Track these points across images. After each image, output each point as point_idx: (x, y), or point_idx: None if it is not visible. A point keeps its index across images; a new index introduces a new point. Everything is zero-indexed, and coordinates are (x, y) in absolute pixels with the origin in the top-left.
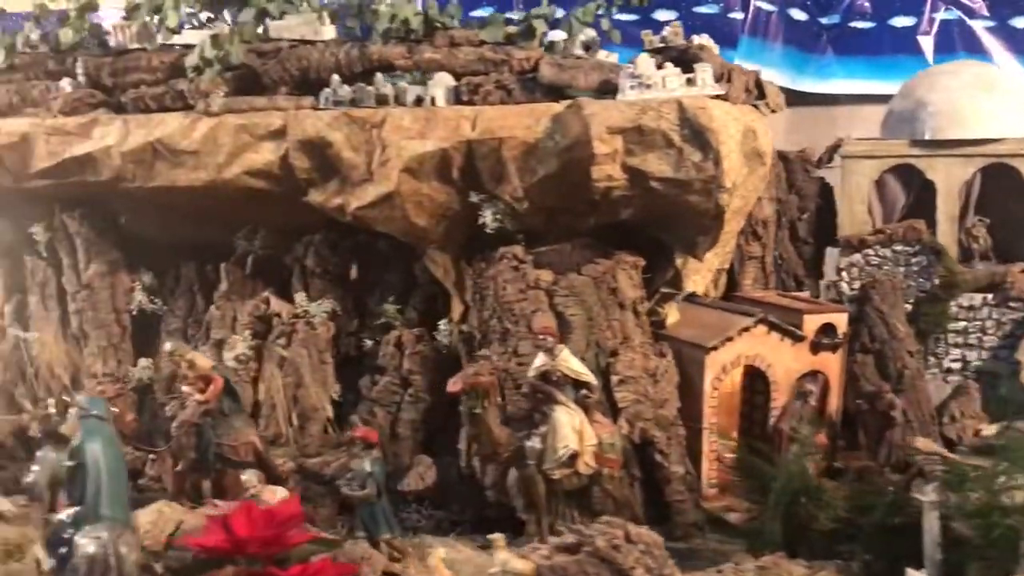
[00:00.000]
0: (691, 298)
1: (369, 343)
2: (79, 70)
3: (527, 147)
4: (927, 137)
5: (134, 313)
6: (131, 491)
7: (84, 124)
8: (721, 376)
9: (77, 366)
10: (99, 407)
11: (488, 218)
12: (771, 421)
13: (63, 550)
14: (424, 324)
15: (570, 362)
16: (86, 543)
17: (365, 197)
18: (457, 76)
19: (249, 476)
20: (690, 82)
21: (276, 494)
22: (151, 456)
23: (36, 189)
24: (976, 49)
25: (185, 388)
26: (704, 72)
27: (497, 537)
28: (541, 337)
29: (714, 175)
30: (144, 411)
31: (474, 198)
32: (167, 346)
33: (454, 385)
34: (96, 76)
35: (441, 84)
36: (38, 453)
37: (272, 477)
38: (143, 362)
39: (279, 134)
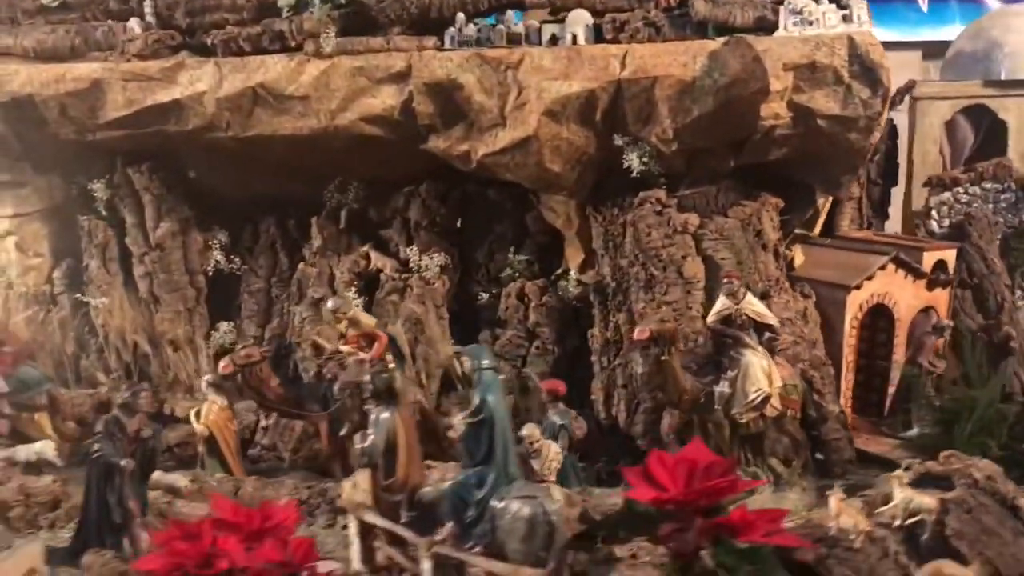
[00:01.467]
0: (804, 239)
1: (485, 296)
2: (147, 9)
3: (682, 86)
4: (1003, 77)
5: (209, 274)
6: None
7: (168, 68)
8: (858, 315)
9: (147, 333)
10: (488, 357)
11: (634, 161)
12: (894, 357)
13: (470, 513)
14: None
15: (755, 305)
16: (519, 506)
17: (496, 143)
18: (595, 13)
19: (531, 431)
20: (845, 19)
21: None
22: (263, 424)
23: (97, 141)
24: None
25: (345, 347)
26: (860, 8)
27: (898, 474)
28: (726, 280)
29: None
30: None
31: (618, 141)
32: (330, 304)
33: (641, 334)
34: (168, 16)
35: (580, 22)
36: (372, 416)
37: (438, 436)
38: (224, 326)
39: (401, 77)
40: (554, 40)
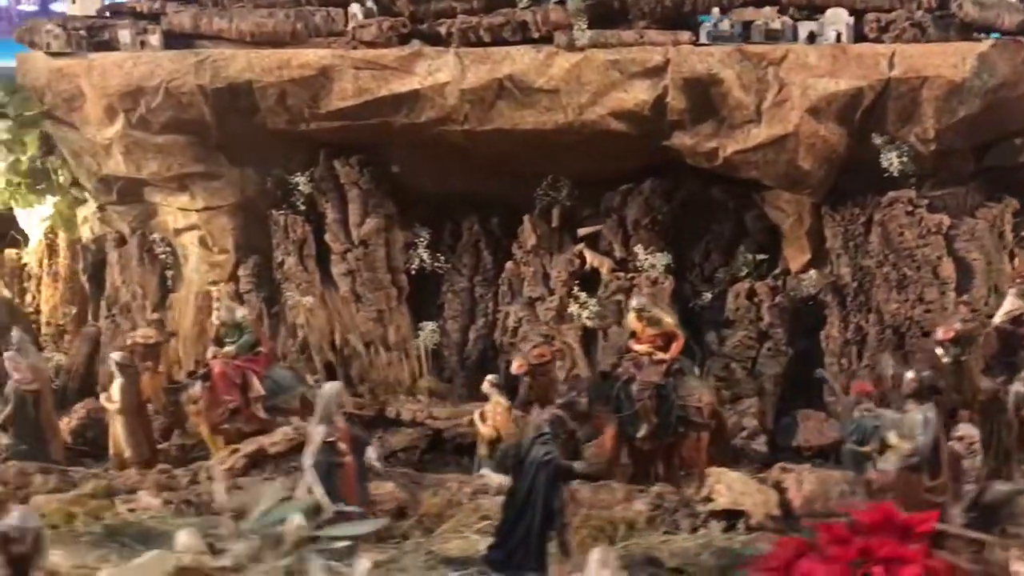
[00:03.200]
0: None
1: (708, 296)
2: None
3: (951, 87)
4: None
5: (412, 272)
6: None
7: (404, 57)
8: None
9: (348, 333)
10: None
11: (893, 161)
12: None
13: None
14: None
15: None
16: None
17: (748, 140)
18: (852, 12)
19: (967, 431)
20: None
21: None
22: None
23: (305, 133)
24: None
25: (638, 347)
26: None
27: None
28: (1019, 280)
29: None
30: None
31: (876, 140)
32: (634, 302)
33: (947, 333)
34: (388, 3)
35: (840, 20)
36: (916, 416)
37: (725, 439)
38: (429, 326)
39: (657, 71)
40: (811, 37)
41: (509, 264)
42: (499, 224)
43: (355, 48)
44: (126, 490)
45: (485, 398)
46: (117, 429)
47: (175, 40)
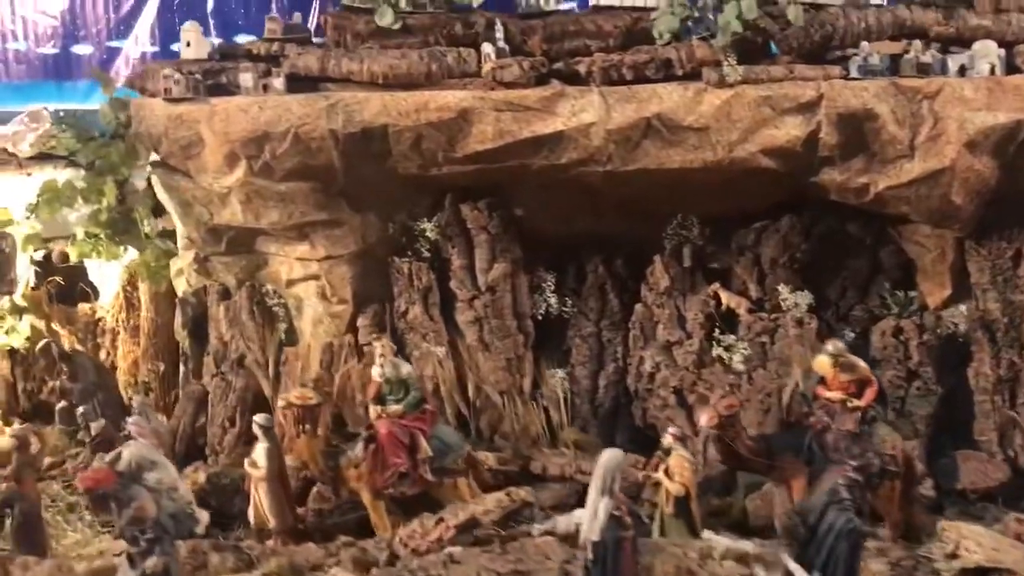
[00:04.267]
0: None
1: (850, 335)
2: (498, 35)
3: None
4: None
5: (539, 318)
6: None
7: (547, 98)
8: None
9: (482, 383)
10: None
11: None
12: None
13: None
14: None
15: None
16: None
17: (901, 175)
18: (1002, 44)
19: None
20: None
21: None
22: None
23: (432, 177)
24: None
25: (831, 394)
26: None
27: None
28: None
29: None
30: None
31: None
32: (829, 347)
33: None
34: (520, 42)
35: (992, 52)
36: None
37: (915, 487)
38: (559, 373)
39: (809, 107)
40: (962, 71)
41: (638, 307)
42: (623, 265)
43: (492, 89)
44: (309, 567)
45: (638, 448)
46: (260, 496)
47: (297, 83)
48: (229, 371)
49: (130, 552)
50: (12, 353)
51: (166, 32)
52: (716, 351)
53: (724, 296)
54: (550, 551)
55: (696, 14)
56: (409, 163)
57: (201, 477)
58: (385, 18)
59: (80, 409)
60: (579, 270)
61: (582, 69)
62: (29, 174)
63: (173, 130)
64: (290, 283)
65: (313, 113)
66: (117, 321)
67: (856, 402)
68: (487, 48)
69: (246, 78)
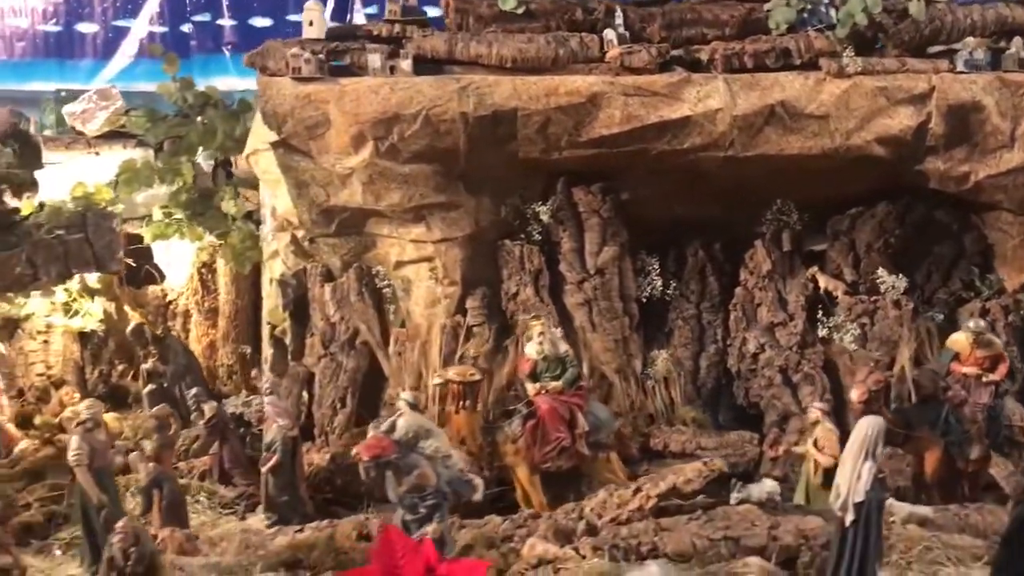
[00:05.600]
0: None
1: (940, 317)
2: (618, 20)
3: None
4: None
5: (643, 300)
6: None
7: (674, 84)
8: None
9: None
10: None
11: None
12: None
13: None
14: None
15: None
16: None
17: (1000, 164)
18: None
19: None
20: None
21: None
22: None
23: (550, 161)
24: None
25: (968, 369)
26: None
27: None
28: None
29: None
30: None
31: None
32: (972, 324)
33: None
34: (639, 28)
35: None
36: None
37: None
38: (662, 354)
39: (921, 98)
40: None
41: (739, 289)
42: (722, 249)
43: (619, 74)
44: (500, 538)
45: (740, 426)
46: None
47: (421, 65)
48: (339, 352)
49: (406, 519)
50: (82, 336)
51: (174, 13)
52: (822, 332)
53: (822, 279)
54: (755, 517)
55: (809, 6)
56: (532, 147)
57: (318, 457)
58: (508, 3)
59: (192, 391)
60: (679, 254)
61: (703, 56)
62: (97, 153)
63: (300, 109)
64: (399, 265)
65: (445, 95)
66: (192, 303)
67: (991, 376)
68: (609, 34)
69: (374, 59)
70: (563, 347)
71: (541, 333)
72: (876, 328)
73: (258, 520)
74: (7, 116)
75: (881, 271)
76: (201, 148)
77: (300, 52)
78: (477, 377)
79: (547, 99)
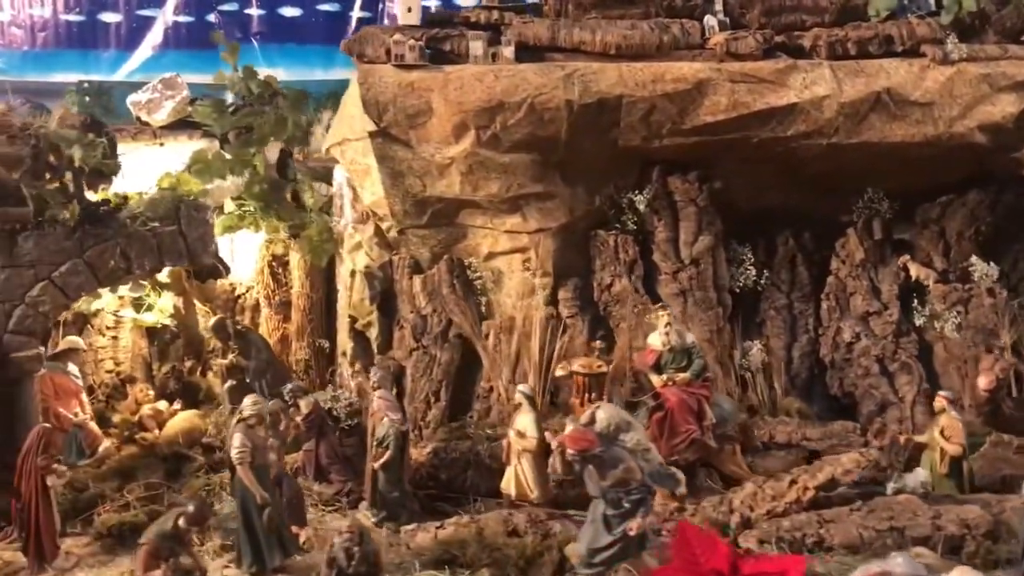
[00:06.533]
0: None
1: None
2: (718, 6)
3: None
4: None
5: (737, 290)
6: None
7: (781, 70)
8: None
9: None
10: None
11: None
12: None
13: None
14: None
15: None
16: None
17: None
18: None
19: None
20: None
21: None
22: None
23: (644, 150)
24: None
25: None
26: None
27: None
28: None
29: None
30: None
31: None
32: None
33: None
34: (738, 14)
35: None
36: None
37: None
38: (756, 345)
39: (1021, 86)
40: None
41: (830, 279)
42: (811, 238)
43: (722, 61)
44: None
45: (833, 416)
46: (523, 468)
47: (520, 52)
48: (432, 344)
49: (607, 514)
50: (149, 332)
51: (200, 1)
52: (919, 320)
53: (913, 268)
54: (915, 507)
55: None
56: (633, 135)
57: (416, 452)
58: None
59: (289, 386)
60: (769, 243)
61: (806, 43)
62: (161, 144)
63: (403, 98)
64: (490, 256)
65: (550, 83)
66: (263, 297)
67: None
68: (710, 20)
69: (476, 46)
70: (690, 338)
71: (668, 324)
72: (971, 316)
73: (363, 517)
74: (26, 111)
75: (974, 259)
76: (272, 139)
77: (403, 39)
78: (604, 369)
79: (653, 86)
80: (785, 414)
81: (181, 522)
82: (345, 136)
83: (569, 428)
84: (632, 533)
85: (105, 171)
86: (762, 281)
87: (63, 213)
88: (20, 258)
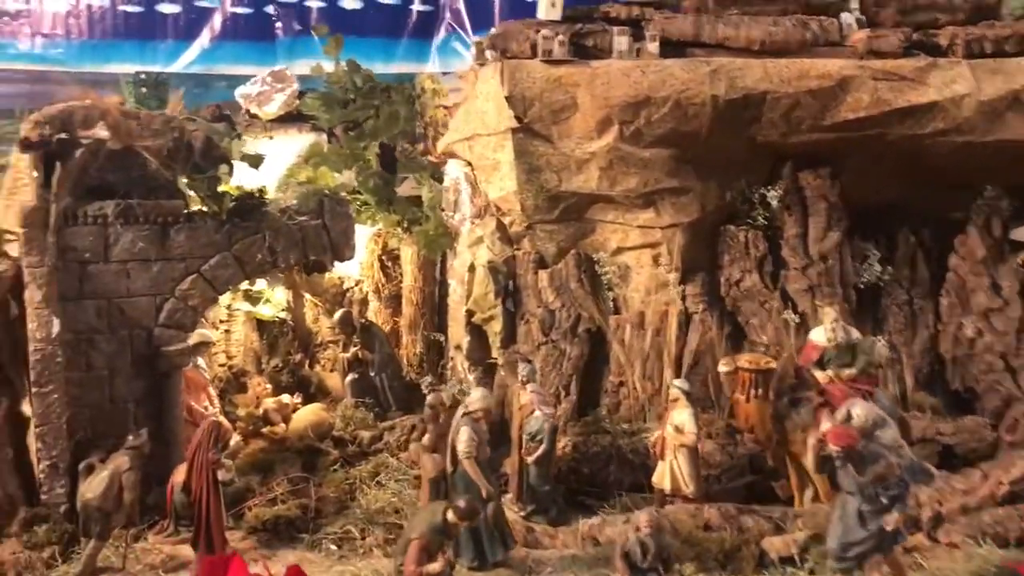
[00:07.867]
0: None
1: None
2: (854, 4)
3: None
4: None
5: (861, 286)
6: None
7: (921, 69)
8: None
9: None
10: None
11: None
12: None
13: None
14: None
15: None
16: None
17: None
18: None
19: None
20: None
21: None
22: None
23: (778, 145)
24: None
25: None
26: None
27: None
28: None
29: None
30: None
31: None
32: None
33: None
34: (874, 12)
35: None
36: None
37: None
38: (881, 341)
39: None
40: None
41: (950, 275)
42: (930, 235)
43: (862, 58)
44: None
45: (965, 412)
46: (680, 462)
47: (664, 47)
48: (561, 339)
49: (862, 509)
50: (260, 325)
51: None
52: None
53: None
54: None
55: None
56: (773, 130)
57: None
58: None
59: (426, 379)
60: (890, 239)
61: (942, 41)
62: (271, 137)
63: (549, 93)
64: (618, 251)
65: (697, 79)
66: (372, 290)
67: None
68: (847, 18)
69: (621, 41)
70: (855, 333)
71: (835, 319)
72: None
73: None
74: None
75: None
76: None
77: (551, 34)
78: (772, 365)
79: (798, 82)
80: (917, 409)
81: (450, 516)
82: (475, 131)
83: (825, 426)
84: (888, 528)
85: (252, 163)
86: (885, 277)
87: (214, 206)
88: (172, 251)
